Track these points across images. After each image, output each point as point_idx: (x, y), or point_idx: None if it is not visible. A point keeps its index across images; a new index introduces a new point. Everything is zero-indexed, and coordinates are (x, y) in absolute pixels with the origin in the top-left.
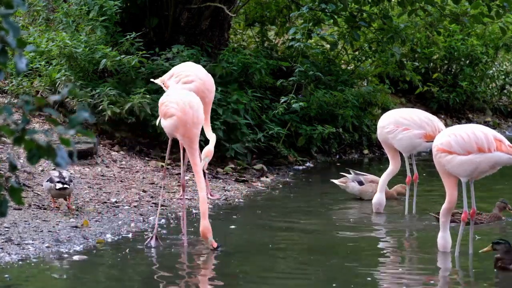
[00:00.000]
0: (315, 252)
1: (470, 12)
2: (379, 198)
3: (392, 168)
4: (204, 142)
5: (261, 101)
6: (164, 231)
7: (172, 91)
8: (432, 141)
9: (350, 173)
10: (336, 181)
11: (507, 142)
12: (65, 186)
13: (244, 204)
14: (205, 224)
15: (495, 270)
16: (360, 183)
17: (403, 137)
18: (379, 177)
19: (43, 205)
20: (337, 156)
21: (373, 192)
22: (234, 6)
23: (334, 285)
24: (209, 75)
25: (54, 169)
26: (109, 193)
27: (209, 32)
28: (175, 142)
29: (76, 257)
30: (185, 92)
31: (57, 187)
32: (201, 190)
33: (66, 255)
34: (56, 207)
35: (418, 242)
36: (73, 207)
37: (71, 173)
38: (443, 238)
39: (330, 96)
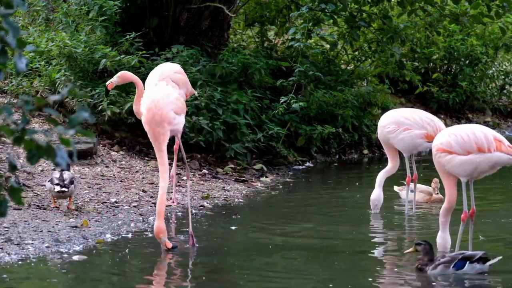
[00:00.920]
0: (315, 252)
1: (470, 12)
2: (377, 194)
3: (391, 166)
4: (203, 142)
5: (261, 101)
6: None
7: (151, 88)
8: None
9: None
10: (396, 188)
11: (507, 143)
12: (64, 189)
13: (244, 204)
14: (158, 224)
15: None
16: (412, 191)
17: (404, 137)
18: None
19: (43, 205)
20: (337, 156)
21: (418, 199)
22: (234, 6)
23: (333, 285)
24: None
25: (54, 169)
26: (109, 193)
27: (209, 32)
28: (174, 141)
29: (75, 257)
30: (160, 90)
31: (56, 190)
32: (161, 189)
33: (65, 255)
34: (56, 207)
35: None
36: (73, 207)
37: (72, 174)
38: (443, 238)
39: (330, 96)
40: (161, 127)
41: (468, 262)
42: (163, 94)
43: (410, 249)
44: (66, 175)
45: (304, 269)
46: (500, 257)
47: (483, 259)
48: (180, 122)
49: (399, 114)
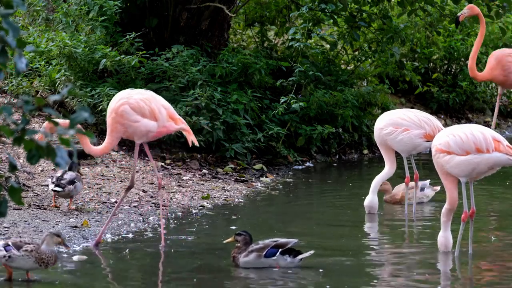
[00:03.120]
0: (315, 252)
1: None
2: (370, 200)
3: (388, 170)
4: (204, 142)
5: (261, 101)
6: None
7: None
8: (432, 141)
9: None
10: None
11: (505, 143)
12: (58, 189)
13: (244, 204)
14: None
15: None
16: (421, 189)
17: (403, 138)
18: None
19: (43, 205)
20: (337, 156)
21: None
22: (234, 6)
23: (333, 285)
24: None
25: (54, 169)
26: (109, 193)
27: (209, 32)
28: (174, 141)
29: (75, 257)
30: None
31: (51, 188)
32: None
33: (65, 255)
34: (56, 206)
35: (418, 243)
36: (73, 207)
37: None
38: (444, 238)
39: (329, 96)
40: (110, 118)
41: (280, 250)
42: (131, 91)
43: (230, 239)
44: (67, 175)
45: (303, 269)
46: (312, 251)
47: (295, 252)
48: (136, 122)
49: (396, 115)
